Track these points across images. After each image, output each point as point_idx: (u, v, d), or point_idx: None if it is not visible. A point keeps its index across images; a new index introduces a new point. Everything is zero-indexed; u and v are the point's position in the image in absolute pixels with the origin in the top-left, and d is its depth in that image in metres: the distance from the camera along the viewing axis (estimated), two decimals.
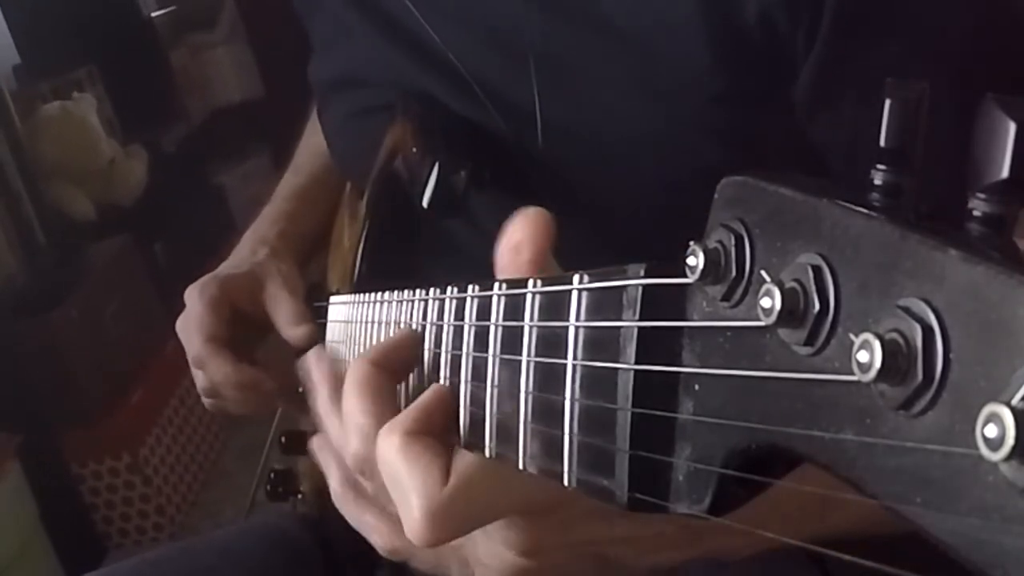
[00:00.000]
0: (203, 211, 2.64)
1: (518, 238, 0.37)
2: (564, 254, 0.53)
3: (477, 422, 0.38)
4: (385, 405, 0.41)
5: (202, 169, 2.79)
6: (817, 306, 0.22)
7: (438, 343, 0.42)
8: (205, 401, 0.79)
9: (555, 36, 0.57)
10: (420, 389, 0.43)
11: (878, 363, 0.20)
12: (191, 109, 2.80)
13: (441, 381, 0.42)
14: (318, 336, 0.73)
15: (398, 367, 0.43)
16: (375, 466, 0.40)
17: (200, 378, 0.77)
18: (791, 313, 0.23)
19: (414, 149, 0.61)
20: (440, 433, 0.39)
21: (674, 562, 0.47)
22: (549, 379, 0.33)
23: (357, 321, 0.57)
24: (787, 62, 0.52)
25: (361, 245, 0.68)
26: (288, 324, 0.74)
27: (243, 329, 0.76)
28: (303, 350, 0.76)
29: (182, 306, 0.79)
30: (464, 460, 0.37)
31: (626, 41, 0.55)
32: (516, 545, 0.41)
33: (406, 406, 0.41)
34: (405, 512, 0.37)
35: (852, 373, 0.21)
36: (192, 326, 0.75)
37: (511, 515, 0.40)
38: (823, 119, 0.54)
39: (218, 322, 0.74)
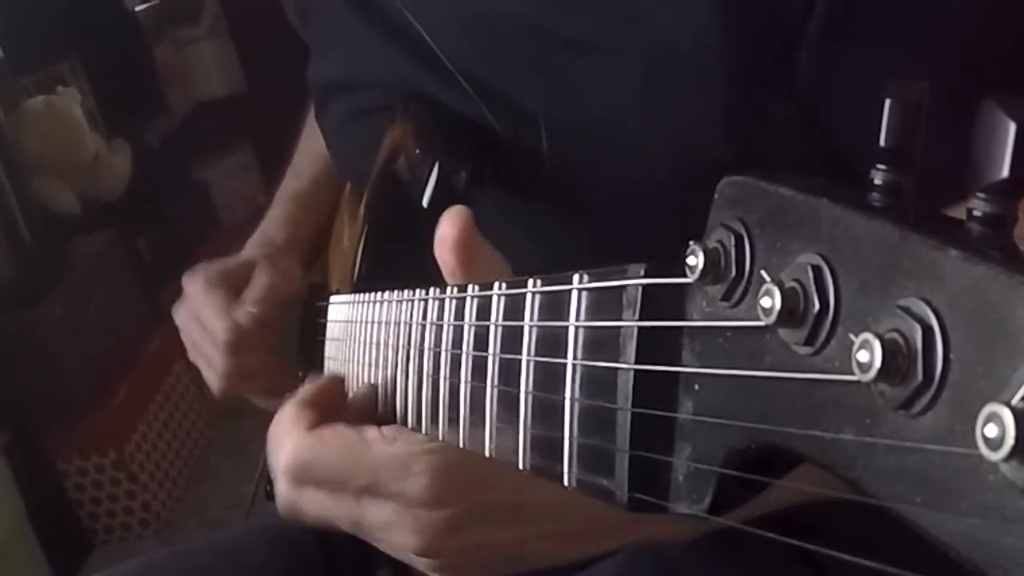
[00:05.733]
0: (186, 205, 2.63)
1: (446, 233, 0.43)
2: (567, 252, 0.54)
3: (477, 422, 0.38)
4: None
5: (185, 164, 2.78)
6: (817, 306, 0.22)
7: (438, 343, 0.42)
8: (218, 389, 0.79)
9: (554, 35, 0.57)
10: (418, 388, 0.45)
11: (878, 363, 0.20)
12: (174, 103, 2.78)
13: (441, 381, 0.42)
14: (261, 323, 0.76)
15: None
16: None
17: (235, 361, 0.77)
18: (791, 313, 0.23)
19: (414, 149, 0.60)
20: (328, 408, 0.49)
21: (599, 551, 0.52)
22: (549, 379, 0.33)
23: (357, 321, 0.57)
24: (790, 23, 0.52)
25: (361, 245, 0.68)
26: (240, 301, 0.76)
27: None
28: (306, 353, 0.77)
29: (166, 300, 0.79)
30: (333, 428, 0.47)
31: (632, 26, 0.54)
32: (413, 546, 0.46)
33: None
34: (281, 454, 0.47)
35: (852, 373, 0.21)
36: (208, 311, 0.75)
37: (354, 486, 0.46)
38: (832, 82, 0.53)
39: (232, 301, 0.76)
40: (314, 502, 0.48)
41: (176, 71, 2.84)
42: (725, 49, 0.52)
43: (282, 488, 0.48)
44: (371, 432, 0.46)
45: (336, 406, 0.51)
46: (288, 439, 0.47)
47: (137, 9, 2.71)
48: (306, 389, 0.51)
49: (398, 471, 0.44)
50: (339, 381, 0.54)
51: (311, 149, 0.90)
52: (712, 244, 0.25)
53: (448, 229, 0.43)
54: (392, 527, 0.46)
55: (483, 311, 0.38)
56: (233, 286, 0.77)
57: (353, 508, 0.47)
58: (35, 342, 1.89)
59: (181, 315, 0.78)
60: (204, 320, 0.76)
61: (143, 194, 2.38)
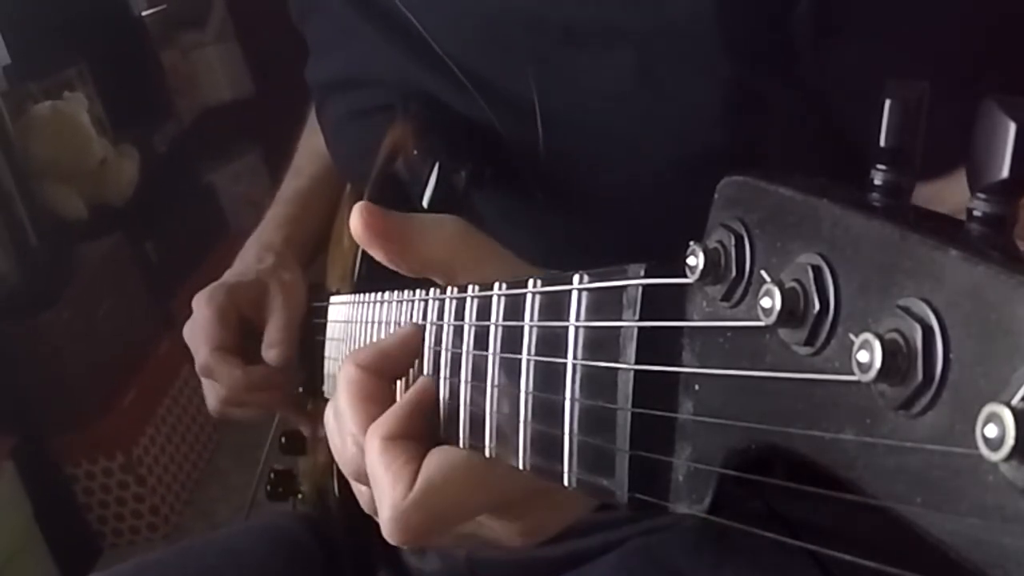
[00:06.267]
0: (194, 210, 2.64)
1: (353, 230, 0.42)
2: (568, 247, 0.53)
3: (477, 422, 0.38)
4: (377, 411, 0.42)
5: (193, 168, 2.79)
6: (817, 306, 0.22)
7: (438, 343, 0.42)
8: (214, 411, 0.79)
9: (551, 25, 0.57)
10: None
11: (878, 363, 0.20)
12: (181, 108, 2.79)
13: (441, 381, 0.42)
14: (292, 360, 0.75)
15: (392, 371, 0.44)
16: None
17: (210, 388, 0.77)
18: (791, 313, 0.23)
19: (414, 149, 0.60)
20: (420, 433, 0.41)
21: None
22: (549, 379, 0.33)
23: (357, 321, 0.57)
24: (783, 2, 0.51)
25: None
26: (267, 343, 0.76)
27: (249, 336, 0.77)
28: (306, 353, 0.77)
29: (174, 305, 0.79)
30: (431, 464, 0.39)
31: (628, 6, 0.54)
32: (519, 532, 0.43)
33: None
34: (380, 513, 0.39)
35: (852, 373, 0.21)
36: (199, 335, 0.75)
37: (483, 513, 0.41)
38: (829, 49, 0.52)
39: (225, 330, 0.75)
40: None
41: (183, 76, 2.85)
42: (721, 25, 0.52)
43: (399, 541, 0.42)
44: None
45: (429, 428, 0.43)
46: (389, 502, 0.39)
47: (144, 14, 2.73)
48: (393, 416, 0.41)
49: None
50: (430, 400, 0.42)
51: (312, 147, 0.90)
52: (712, 244, 0.25)
53: (353, 228, 0.42)
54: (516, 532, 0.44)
55: (483, 311, 0.38)
56: (239, 310, 0.76)
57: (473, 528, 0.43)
58: (43, 346, 1.90)
59: (186, 335, 0.78)
60: (196, 344, 0.76)
61: (151, 199, 2.39)
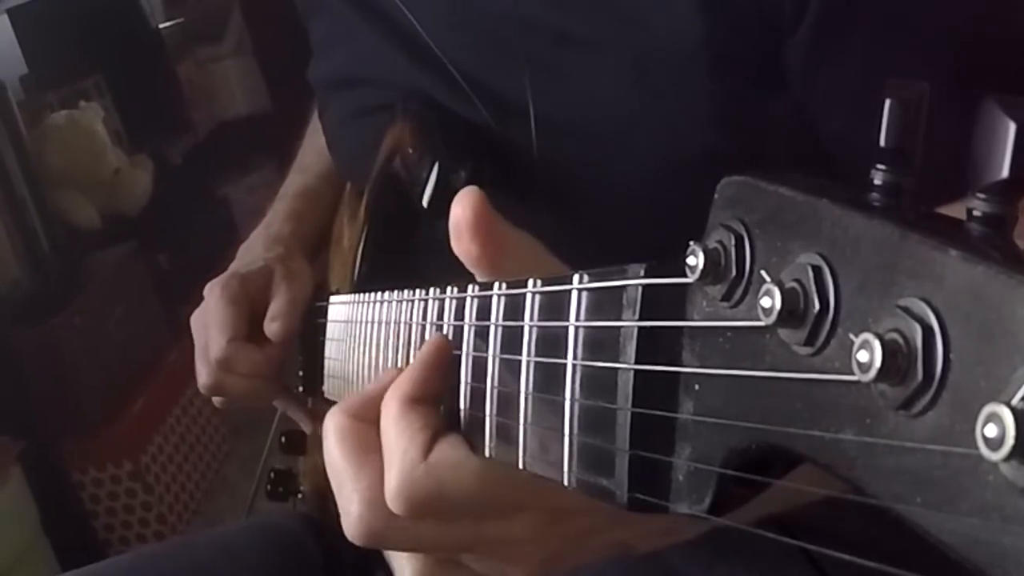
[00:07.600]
0: (207, 222, 2.64)
1: (460, 218, 0.38)
2: (566, 251, 0.53)
3: (477, 422, 0.38)
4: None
5: (207, 180, 2.80)
6: (817, 306, 0.22)
7: None
8: (216, 400, 0.79)
9: (545, 30, 0.57)
10: None
11: (878, 363, 0.20)
12: (197, 121, 2.81)
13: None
14: (292, 335, 0.75)
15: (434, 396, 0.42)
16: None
17: (219, 377, 0.77)
18: (791, 313, 0.23)
19: (413, 149, 0.61)
20: (436, 391, 0.40)
21: (676, 540, 0.49)
22: (549, 379, 0.33)
23: (357, 321, 0.57)
24: (780, 24, 0.52)
25: (361, 245, 0.69)
26: (269, 317, 0.76)
27: (257, 323, 0.78)
28: (306, 353, 0.77)
29: (186, 315, 0.80)
30: (453, 439, 0.38)
31: (618, 22, 0.55)
32: (540, 558, 0.41)
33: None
34: (387, 481, 0.38)
35: (852, 373, 0.21)
36: (213, 325, 0.75)
37: (495, 512, 0.39)
38: (822, 78, 0.53)
39: (239, 320, 0.75)
40: (422, 534, 0.40)
41: (200, 89, 2.87)
42: (707, 47, 0.52)
43: (378, 521, 0.40)
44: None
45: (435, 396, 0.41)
46: (398, 467, 0.37)
47: (161, 27, 2.75)
48: (410, 377, 0.40)
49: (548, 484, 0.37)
50: (445, 356, 0.41)
51: (317, 144, 0.90)
52: (712, 244, 0.25)
53: (461, 213, 0.38)
54: (519, 542, 0.40)
55: (483, 311, 0.38)
56: (250, 298, 0.77)
57: (471, 532, 0.40)
58: (53, 353, 1.91)
59: (194, 322, 0.79)
60: (208, 331, 0.76)
61: (165, 210, 2.40)
